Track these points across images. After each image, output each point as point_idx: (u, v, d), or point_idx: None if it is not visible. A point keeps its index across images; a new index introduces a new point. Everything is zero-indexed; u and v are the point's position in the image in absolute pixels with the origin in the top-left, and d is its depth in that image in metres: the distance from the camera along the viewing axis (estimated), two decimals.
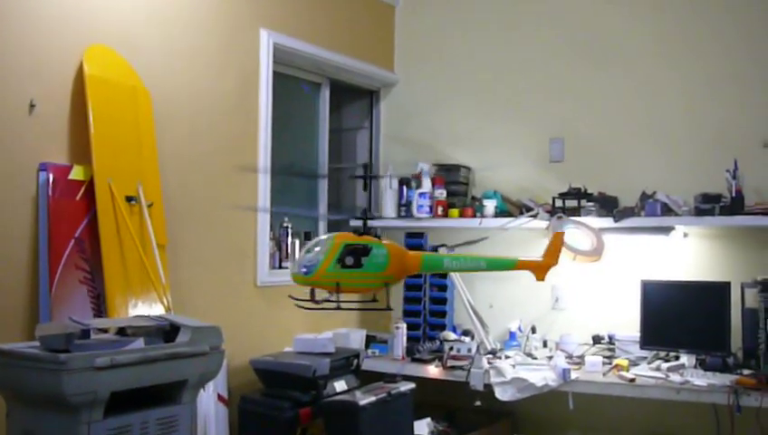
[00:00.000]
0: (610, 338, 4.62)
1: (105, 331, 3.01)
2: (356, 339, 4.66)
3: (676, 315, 4.33)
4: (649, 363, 4.28)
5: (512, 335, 4.84)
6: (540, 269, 3.29)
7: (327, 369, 3.96)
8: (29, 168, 3.41)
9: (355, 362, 4.29)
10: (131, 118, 3.79)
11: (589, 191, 4.69)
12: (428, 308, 5.01)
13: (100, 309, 3.51)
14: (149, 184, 3.81)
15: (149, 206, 3.75)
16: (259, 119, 4.57)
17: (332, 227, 5.41)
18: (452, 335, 4.76)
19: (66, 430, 2.49)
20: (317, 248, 2.77)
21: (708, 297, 4.27)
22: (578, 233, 4.50)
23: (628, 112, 4.84)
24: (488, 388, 4.16)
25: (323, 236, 2.86)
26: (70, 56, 3.57)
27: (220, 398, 4.06)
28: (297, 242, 4.87)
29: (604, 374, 4.14)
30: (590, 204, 4.64)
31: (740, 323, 4.18)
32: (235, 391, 4.19)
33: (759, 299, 4.06)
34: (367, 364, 4.49)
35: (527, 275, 4.90)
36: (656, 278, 4.47)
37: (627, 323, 4.54)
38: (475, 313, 4.74)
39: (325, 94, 5.40)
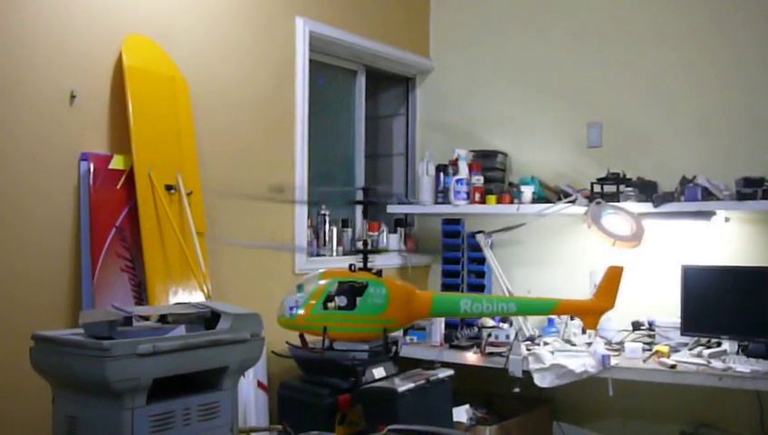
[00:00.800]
0: (650, 324, 4.58)
1: (147, 318, 3.04)
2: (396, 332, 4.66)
3: (718, 301, 4.27)
4: (690, 350, 4.24)
5: (550, 322, 4.81)
6: (589, 313, 2.65)
7: (365, 356, 3.97)
8: (70, 157, 3.46)
9: (393, 348, 4.28)
10: (170, 107, 3.82)
11: (627, 176, 4.64)
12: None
13: (141, 297, 3.55)
14: (188, 173, 3.84)
15: (189, 194, 3.78)
16: (296, 107, 4.58)
17: (371, 212, 5.40)
18: (490, 322, 4.75)
19: (110, 415, 2.52)
20: (308, 286, 2.44)
21: (750, 282, 4.21)
22: (617, 218, 4.45)
23: (666, 96, 4.78)
24: (527, 374, 4.14)
25: (317, 271, 2.51)
26: (109, 47, 3.61)
27: (260, 384, 4.10)
28: (335, 229, 4.88)
29: (644, 361, 4.11)
30: (629, 189, 4.58)
31: None
32: (274, 377, 4.22)
33: None
34: (405, 351, 4.49)
35: (567, 261, 4.93)
36: (697, 264, 4.41)
37: (667, 308, 4.49)
38: None
39: (361, 81, 5.40)
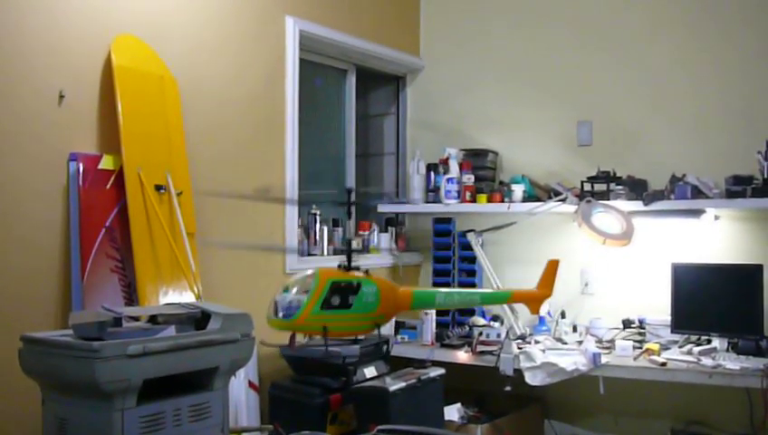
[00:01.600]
0: (641, 322, 4.59)
1: (137, 319, 3.04)
2: (385, 325, 4.66)
3: (708, 299, 4.29)
4: (681, 347, 4.25)
5: (541, 320, 4.82)
6: (534, 301, 3.04)
7: (357, 355, 3.96)
8: (59, 157, 3.44)
9: (385, 348, 4.29)
10: (159, 107, 3.81)
11: (617, 175, 4.65)
12: None
13: (131, 297, 3.54)
14: (178, 173, 3.83)
15: (179, 194, 3.77)
16: (286, 106, 4.57)
17: (360, 212, 5.42)
18: (481, 321, 4.75)
19: (100, 417, 2.52)
20: (296, 287, 2.46)
21: (740, 280, 4.23)
22: (607, 217, 4.47)
23: (656, 94, 4.79)
24: (518, 373, 4.15)
25: (306, 271, 2.53)
26: (98, 46, 3.60)
27: (251, 385, 4.09)
28: (326, 229, 4.87)
29: (635, 359, 4.12)
30: (619, 187, 4.60)
31: None
32: (265, 377, 4.22)
33: None
34: (396, 350, 4.49)
35: (556, 258, 4.92)
36: (687, 261, 4.43)
37: (657, 306, 4.51)
38: None
39: (351, 81, 5.40)
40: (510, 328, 4.57)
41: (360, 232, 5.23)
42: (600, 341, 4.47)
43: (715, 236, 4.55)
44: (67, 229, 3.45)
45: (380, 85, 5.81)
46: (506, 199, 4.93)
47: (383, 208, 5.42)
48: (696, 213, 4.39)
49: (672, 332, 4.37)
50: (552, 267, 2.83)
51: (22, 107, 3.31)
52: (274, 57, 4.53)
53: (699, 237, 4.57)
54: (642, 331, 4.55)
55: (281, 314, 2.26)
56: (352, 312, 2.37)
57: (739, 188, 4.21)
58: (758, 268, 4.17)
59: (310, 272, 2.35)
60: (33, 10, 3.35)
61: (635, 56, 4.87)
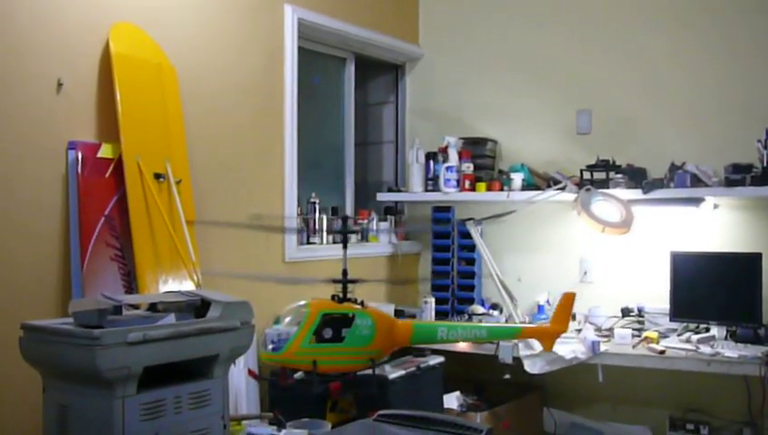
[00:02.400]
0: (640, 310, 4.60)
1: (137, 307, 3.04)
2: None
3: (707, 287, 4.30)
4: (679, 335, 4.26)
5: (540, 308, 4.83)
6: (547, 336, 2.85)
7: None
8: (58, 146, 3.44)
9: None
10: (158, 95, 3.80)
11: (617, 163, 4.65)
12: (457, 282, 5.03)
13: (131, 286, 3.54)
14: (177, 161, 3.83)
15: (178, 183, 3.77)
16: (285, 95, 4.57)
17: (359, 201, 5.41)
18: (480, 309, 4.77)
19: (101, 404, 2.52)
20: (288, 319, 2.36)
21: (739, 268, 4.24)
22: (606, 205, 4.47)
23: (656, 83, 4.79)
24: (517, 361, 4.15)
25: (299, 303, 2.41)
26: (96, 34, 3.58)
27: (251, 373, 4.09)
28: (324, 218, 4.87)
29: (633, 347, 4.14)
30: (619, 176, 4.61)
31: None
32: (265, 366, 4.21)
33: None
34: None
35: (557, 248, 4.95)
36: (686, 250, 4.43)
37: (656, 295, 4.52)
38: (504, 286, 4.73)
39: (350, 69, 5.39)
40: (509, 316, 4.58)
41: (360, 220, 5.23)
42: (598, 329, 4.48)
43: (714, 225, 4.56)
44: (66, 218, 3.44)
45: (379, 74, 5.80)
46: (505, 188, 4.93)
47: (382, 197, 5.42)
48: (696, 201, 4.40)
49: (671, 320, 4.39)
50: (568, 301, 2.66)
51: (20, 95, 3.30)
52: (273, 45, 4.52)
53: (698, 226, 4.58)
54: (641, 319, 4.57)
55: (270, 347, 2.17)
56: (345, 346, 2.25)
57: (738, 176, 4.22)
58: (757, 257, 4.18)
59: (302, 303, 2.26)
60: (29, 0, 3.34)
61: (634, 45, 4.86)
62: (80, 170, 3.44)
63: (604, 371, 4.11)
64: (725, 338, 4.16)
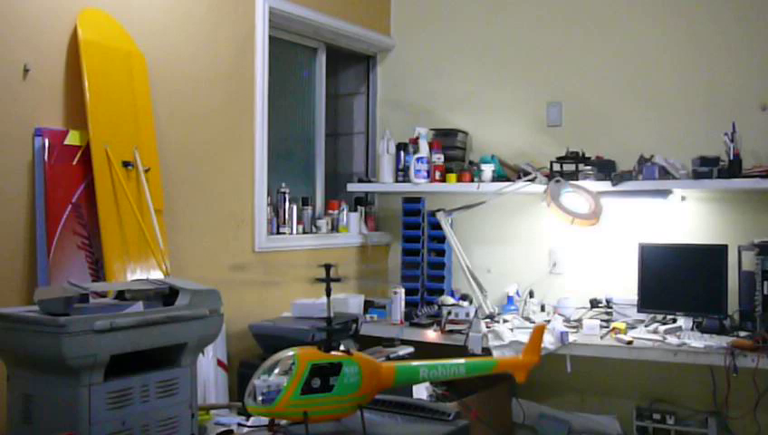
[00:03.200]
0: (608, 302, 4.64)
1: (104, 295, 3.00)
2: (354, 304, 4.67)
3: (674, 279, 4.34)
4: (647, 326, 4.30)
5: (509, 300, 4.86)
6: (521, 368, 2.88)
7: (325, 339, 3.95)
8: (24, 133, 3.39)
9: (354, 326, 4.30)
10: (127, 83, 3.76)
11: (587, 155, 4.68)
12: (426, 273, 5.03)
13: (98, 274, 3.51)
14: (146, 149, 3.79)
15: (146, 171, 3.73)
16: (255, 84, 4.54)
17: (330, 191, 5.40)
18: (450, 300, 4.78)
19: (67, 393, 2.49)
20: (273, 371, 2.33)
21: (706, 260, 4.28)
22: (576, 196, 4.49)
23: (625, 76, 4.83)
24: (486, 351, 4.17)
25: (287, 353, 2.37)
26: (63, 20, 3.54)
27: (220, 363, 4.07)
28: (295, 207, 4.86)
29: (602, 337, 4.16)
30: (588, 168, 4.63)
31: (737, 286, 4.22)
32: (234, 356, 4.21)
33: (756, 262, 4.08)
34: (365, 329, 4.51)
35: (527, 240, 4.97)
36: (653, 242, 4.47)
37: (624, 286, 4.56)
38: (474, 277, 4.75)
39: (321, 60, 5.37)
40: (479, 307, 4.60)
41: (330, 211, 5.22)
42: (567, 320, 4.51)
43: (682, 217, 4.60)
44: (32, 206, 3.40)
45: (351, 64, 5.78)
46: (476, 179, 4.94)
47: (353, 188, 5.41)
48: (664, 193, 4.44)
49: (638, 311, 4.42)
50: (538, 333, 2.73)
51: None
52: (244, 34, 4.49)
53: (666, 218, 4.62)
54: (609, 310, 4.60)
55: (259, 399, 2.17)
56: (334, 395, 2.26)
57: (706, 169, 4.26)
58: (723, 248, 4.22)
59: (290, 353, 2.27)
60: None
61: (605, 39, 4.90)
62: (46, 157, 3.40)
63: (572, 361, 4.14)
64: (692, 329, 4.20)
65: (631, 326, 4.30)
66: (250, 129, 4.52)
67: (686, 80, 4.64)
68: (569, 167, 4.68)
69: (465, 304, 4.75)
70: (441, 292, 4.94)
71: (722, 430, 4.39)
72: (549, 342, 4.11)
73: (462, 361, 2.73)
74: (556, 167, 4.70)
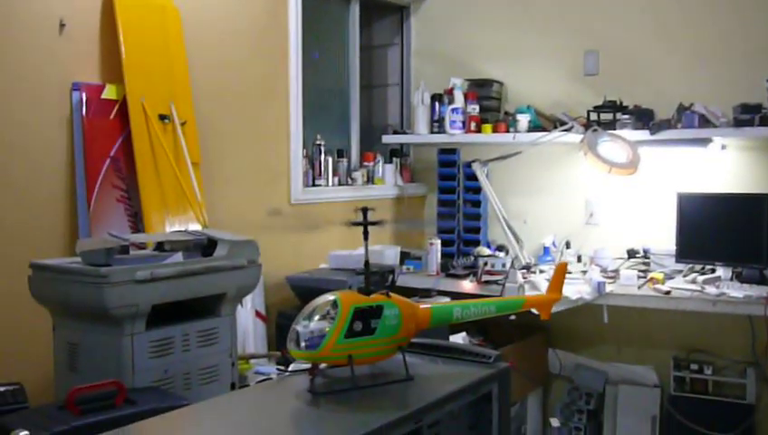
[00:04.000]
0: (645, 252, 4.61)
1: (144, 247, 3.05)
2: (390, 255, 4.68)
3: (713, 228, 4.29)
4: (685, 277, 4.27)
5: (546, 250, 4.84)
6: (545, 305, 2.95)
7: (362, 284, 3.97)
8: (62, 88, 3.41)
9: (390, 277, 4.32)
10: (161, 36, 3.77)
11: (624, 104, 4.61)
12: (462, 224, 5.03)
13: (137, 227, 3.55)
14: (182, 103, 3.81)
15: (183, 124, 3.75)
16: (289, 36, 4.52)
17: (365, 143, 5.39)
18: (486, 251, 4.77)
19: (110, 341, 2.55)
20: (317, 316, 2.29)
21: (746, 210, 4.23)
22: (613, 146, 4.44)
23: (664, 23, 4.72)
24: None
25: (326, 297, 2.33)
26: None
27: (258, 314, 4.13)
28: (330, 160, 4.86)
29: (639, 287, 4.14)
30: (626, 117, 4.57)
31: None
32: (272, 307, 4.25)
33: None
34: (401, 280, 4.52)
35: (563, 190, 4.94)
36: (692, 191, 4.42)
37: (662, 236, 4.51)
38: (510, 228, 4.73)
39: (355, 11, 5.32)
40: (515, 258, 4.59)
41: (365, 163, 5.22)
42: (604, 270, 4.48)
43: (722, 166, 4.53)
44: (72, 160, 3.44)
45: (384, 15, 5.73)
46: (511, 129, 4.90)
47: (388, 139, 5.39)
48: (703, 142, 4.37)
49: (676, 261, 4.39)
50: (561, 271, 2.77)
51: (22, 36, 3.27)
52: None
53: (706, 167, 4.55)
54: (647, 261, 4.57)
55: (303, 345, 2.20)
56: (376, 337, 2.30)
57: (747, 116, 4.18)
58: (764, 197, 4.16)
59: (331, 298, 2.28)
60: None
61: None
62: (84, 112, 3.43)
63: (609, 311, 4.13)
64: (731, 279, 4.17)
65: (669, 277, 4.27)
66: (285, 81, 4.51)
67: (727, 25, 4.53)
68: (606, 116, 4.62)
69: (502, 254, 4.74)
70: (477, 243, 4.94)
71: (760, 380, 4.37)
72: (586, 292, 4.11)
73: (492, 300, 2.77)
74: (593, 116, 4.64)
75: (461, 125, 5.00)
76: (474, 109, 5.00)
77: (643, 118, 4.52)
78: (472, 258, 4.69)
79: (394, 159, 5.41)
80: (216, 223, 3.88)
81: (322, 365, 2.24)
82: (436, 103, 5.13)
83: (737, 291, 3.91)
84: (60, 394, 2.61)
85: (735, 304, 3.85)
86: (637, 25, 4.81)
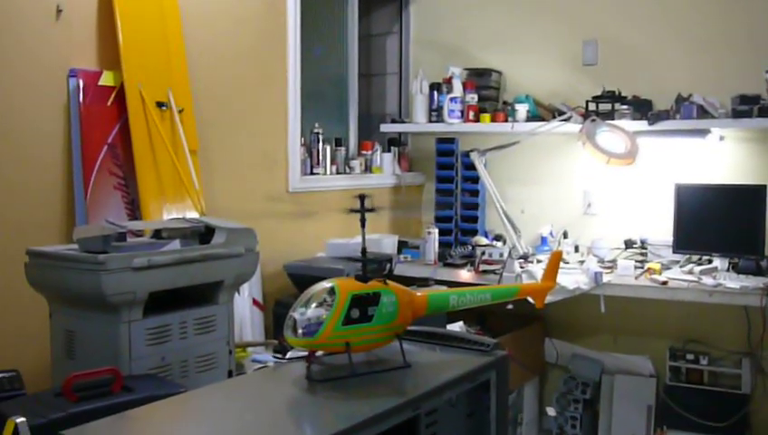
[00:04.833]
0: (643, 243, 4.61)
1: (141, 234, 3.05)
2: (388, 244, 4.68)
3: (710, 219, 4.29)
4: (682, 267, 4.28)
5: (543, 240, 4.85)
6: (540, 293, 2.94)
7: (359, 271, 3.97)
8: (59, 74, 3.40)
9: (387, 266, 4.31)
10: (159, 23, 3.75)
11: (623, 94, 4.61)
12: (460, 213, 5.03)
13: (134, 214, 3.54)
14: (179, 89, 3.79)
15: (180, 111, 3.74)
16: (287, 24, 4.51)
17: (363, 132, 5.38)
18: (484, 240, 4.77)
19: (107, 329, 2.54)
20: (314, 303, 2.26)
21: (743, 201, 4.23)
22: (612, 136, 4.43)
23: (663, 13, 4.71)
24: None
25: (324, 284, 2.31)
26: None
27: (255, 302, 4.13)
28: (328, 148, 4.85)
29: (636, 278, 4.15)
30: (625, 107, 4.56)
31: None
32: (269, 296, 4.25)
33: None
34: (399, 269, 4.52)
35: (561, 180, 4.94)
36: (690, 182, 4.42)
37: (660, 227, 4.52)
38: (507, 217, 4.72)
39: None
40: (512, 247, 4.58)
41: (363, 152, 5.21)
42: (601, 260, 4.49)
43: (720, 157, 4.53)
44: (69, 146, 3.42)
45: (383, 4, 5.71)
46: (510, 119, 4.90)
47: (386, 128, 5.38)
48: (702, 133, 4.36)
49: (674, 252, 4.40)
50: (556, 259, 2.78)
51: (18, 22, 3.25)
52: None
53: (704, 158, 4.55)
54: (644, 251, 4.58)
55: (300, 332, 2.19)
56: (374, 324, 2.29)
57: (745, 107, 4.17)
58: (761, 189, 4.16)
59: (328, 285, 2.27)
60: None
61: None
62: (81, 98, 3.41)
63: (606, 301, 4.14)
64: (728, 270, 4.17)
65: (666, 267, 4.28)
66: (283, 69, 4.50)
67: (726, 16, 4.52)
68: (605, 106, 4.61)
69: (499, 244, 4.74)
70: (475, 232, 4.94)
71: (756, 370, 4.38)
72: (583, 282, 4.11)
73: (488, 288, 2.77)
74: (592, 106, 4.64)
75: (459, 114, 4.99)
76: (472, 98, 4.99)
77: (642, 108, 4.51)
78: (469, 248, 4.69)
79: (392, 147, 5.41)
80: (214, 211, 3.88)
81: (319, 353, 2.23)
82: (435, 92, 5.12)
83: (734, 282, 3.92)
84: (57, 381, 2.60)
85: (732, 295, 3.85)
86: (636, 16, 4.79)
